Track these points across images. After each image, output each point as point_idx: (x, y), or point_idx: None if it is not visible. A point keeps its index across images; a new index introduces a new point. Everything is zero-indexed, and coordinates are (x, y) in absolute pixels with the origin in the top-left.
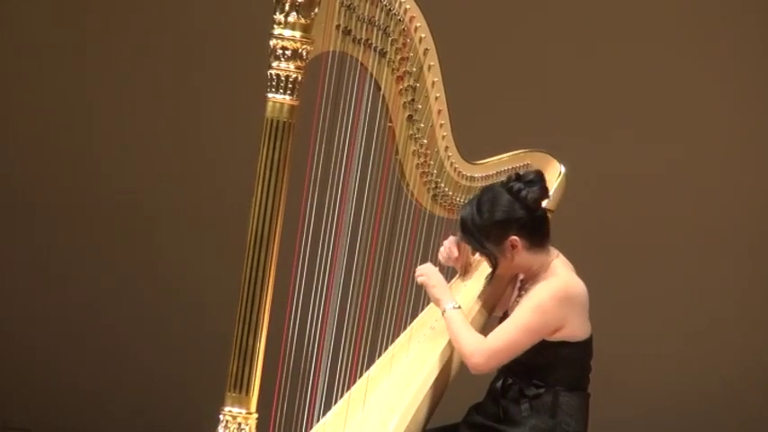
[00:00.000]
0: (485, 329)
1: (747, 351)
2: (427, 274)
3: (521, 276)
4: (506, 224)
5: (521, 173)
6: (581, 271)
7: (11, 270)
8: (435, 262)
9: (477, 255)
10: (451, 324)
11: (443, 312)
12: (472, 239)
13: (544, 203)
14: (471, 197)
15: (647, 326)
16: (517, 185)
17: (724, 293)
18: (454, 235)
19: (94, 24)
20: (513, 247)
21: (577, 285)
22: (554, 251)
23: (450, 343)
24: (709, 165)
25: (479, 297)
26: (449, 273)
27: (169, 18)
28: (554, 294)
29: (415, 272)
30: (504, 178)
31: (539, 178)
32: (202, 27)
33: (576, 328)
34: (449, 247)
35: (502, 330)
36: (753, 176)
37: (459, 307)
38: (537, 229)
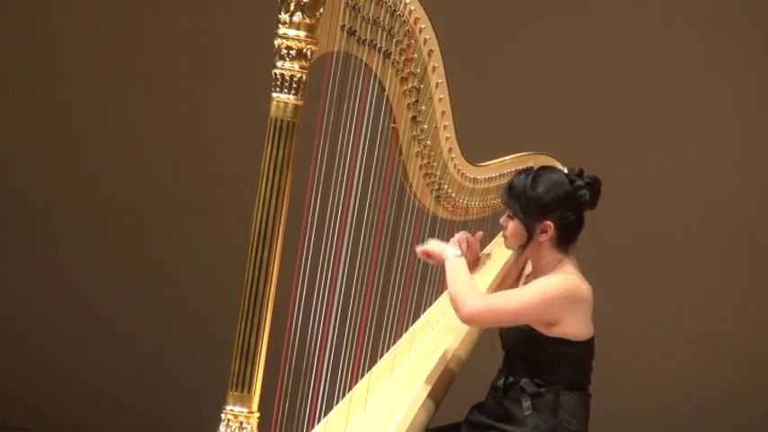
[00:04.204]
0: None
1: (746, 350)
2: (428, 244)
3: (526, 272)
4: (551, 209)
5: (584, 171)
6: (584, 270)
7: (11, 270)
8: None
9: (486, 249)
10: (452, 271)
11: (446, 260)
12: (516, 205)
13: None
14: (527, 167)
15: (647, 325)
16: (579, 181)
17: (723, 293)
18: (461, 234)
19: (100, 25)
20: (543, 231)
21: (585, 288)
22: (570, 254)
23: (452, 343)
24: (709, 166)
25: (488, 290)
26: None
27: (173, 17)
28: (562, 288)
29: (416, 274)
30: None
31: (598, 185)
32: (207, 26)
33: (576, 328)
34: (459, 242)
35: (504, 295)
36: (752, 177)
37: (462, 256)
38: (571, 229)
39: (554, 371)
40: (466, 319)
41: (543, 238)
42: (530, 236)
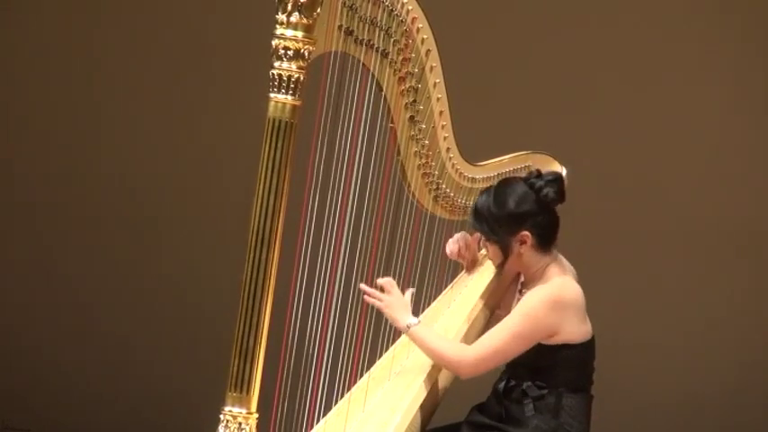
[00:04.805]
0: (486, 328)
1: (746, 351)
2: (380, 298)
3: (521, 279)
4: (521, 218)
5: (542, 171)
6: (582, 271)
7: (11, 270)
8: (437, 260)
9: (483, 250)
10: (421, 340)
11: (407, 330)
12: (485, 227)
13: None
14: (487, 186)
15: (646, 326)
16: (538, 182)
17: (723, 293)
18: (461, 233)
19: (97, 24)
20: (523, 242)
21: (570, 290)
22: (554, 253)
23: None
24: (708, 165)
25: (482, 296)
26: (452, 269)
27: (171, 17)
28: (545, 301)
29: (414, 274)
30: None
31: (559, 179)
32: (205, 27)
33: (572, 332)
34: (457, 242)
35: (490, 336)
36: (750, 177)
37: (419, 322)
38: (548, 230)
39: (555, 374)
40: (466, 377)
41: (524, 249)
42: (510, 251)
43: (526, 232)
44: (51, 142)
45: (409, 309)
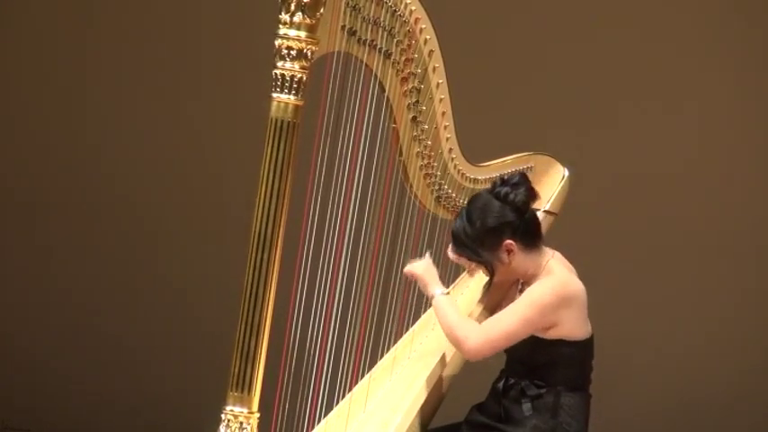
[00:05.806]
0: None
1: (751, 353)
2: (415, 265)
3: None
4: (499, 229)
5: (505, 177)
6: (584, 272)
7: (11, 270)
8: (439, 263)
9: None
10: (441, 309)
11: (431, 298)
12: (467, 250)
13: (547, 206)
14: (459, 210)
15: (651, 327)
16: (504, 190)
17: (728, 295)
18: None
19: (95, 23)
20: (509, 251)
21: (575, 285)
22: (549, 251)
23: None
24: (714, 166)
25: (481, 302)
26: (453, 271)
27: (172, 17)
28: (552, 290)
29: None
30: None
31: (524, 180)
32: (207, 26)
33: (573, 328)
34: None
35: (498, 318)
36: (759, 178)
37: (448, 293)
38: (530, 231)
39: (554, 372)
40: (471, 357)
41: (513, 257)
42: (500, 262)
43: (509, 241)
44: (49, 142)
45: (438, 280)
